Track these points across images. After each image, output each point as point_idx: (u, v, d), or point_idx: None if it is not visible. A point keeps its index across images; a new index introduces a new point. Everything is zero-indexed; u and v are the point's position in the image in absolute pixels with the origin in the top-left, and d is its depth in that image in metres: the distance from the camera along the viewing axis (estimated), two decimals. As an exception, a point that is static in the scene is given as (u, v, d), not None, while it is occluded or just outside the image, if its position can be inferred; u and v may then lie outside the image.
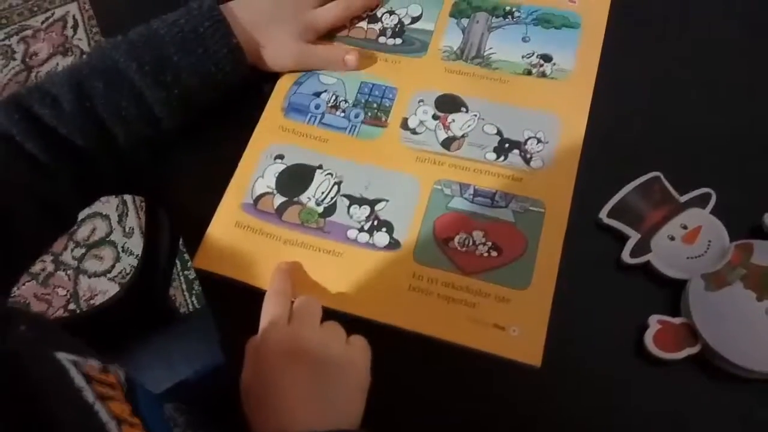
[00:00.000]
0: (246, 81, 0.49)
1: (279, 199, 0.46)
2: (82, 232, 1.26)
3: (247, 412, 0.38)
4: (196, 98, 0.47)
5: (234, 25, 0.47)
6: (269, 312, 0.40)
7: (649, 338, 0.39)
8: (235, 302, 0.45)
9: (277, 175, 0.47)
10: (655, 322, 0.39)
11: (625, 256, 0.41)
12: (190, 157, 0.49)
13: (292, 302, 0.41)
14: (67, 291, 1.22)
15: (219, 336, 0.44)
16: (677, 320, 0.39)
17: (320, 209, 0.46)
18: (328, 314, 0.43)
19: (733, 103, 0.47)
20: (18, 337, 0.32)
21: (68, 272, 1.24)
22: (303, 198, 0.46)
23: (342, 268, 0.44)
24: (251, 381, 0.39)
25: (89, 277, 1.23)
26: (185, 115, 0.48)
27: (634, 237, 0.42)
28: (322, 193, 0.46)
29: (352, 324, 0.42)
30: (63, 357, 0.33)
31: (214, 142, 0.49)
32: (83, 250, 1.25)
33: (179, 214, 0.50)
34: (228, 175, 0.48)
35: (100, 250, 1.25)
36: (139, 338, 0.64)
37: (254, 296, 0.44)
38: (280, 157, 0.48)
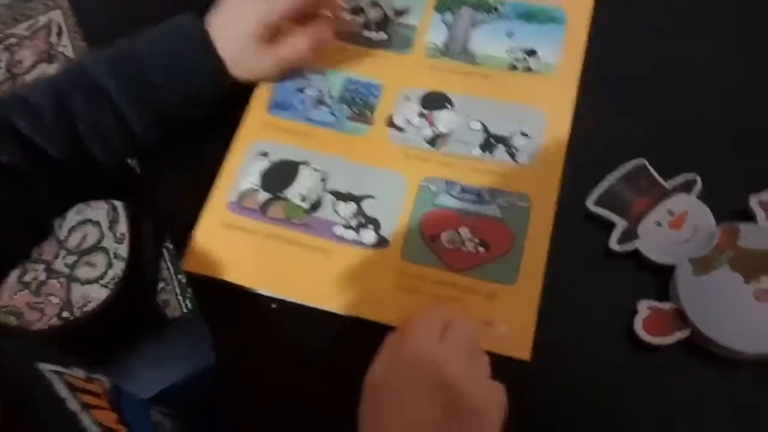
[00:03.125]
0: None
1: (264, 196, 0.45)
2: (73, 240, 1.23)
3: (365, 409, 0.34)
4: (176, 116, 0.45)
5: (216, 43, 0.44)
6: (426, 318, 0.36)
7: (638, 324, 0.38)
8: (227, 305, 0.43)
9: (261, 171, 0.46)
10: (644, 307, 0.38)
11: (613, 243, 0.40)
12: (174, 159, 0.47)
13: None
14: (60, 299, 1.19)
15: (212, 340, 0.42)
16: (666, 305, 0.38)
17: (306, 205, 0.44)
18: (315, 313, 0.41)
19: (716, 91, 0.46)
20: (1, 351, 0.30)
21: (60, 280, 1.21)
22: (288, 194, 0.45)
23: (328, 265, 0.42)
24: (381, 378, 0.34)
25: (82, 284, 1.20)
26: (165, 132, 0.46)
27: (621, 224, 0.41)
28: (308, 188, 0.45)
29: (339, 322, 0.41)
30: (45, 368, 0.32)
31: (197, 141, 0.48)
32: (75, 258, 1.22)
33: (165, 217, 0.48)
34: (212, 174, 0.46)
35: (92, 257, 1.22)
36: (129, 344, 0.63)
37: (246, 298, 0.42)
38: (265, 154, 0.46)
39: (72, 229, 1.24)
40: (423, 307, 0.38)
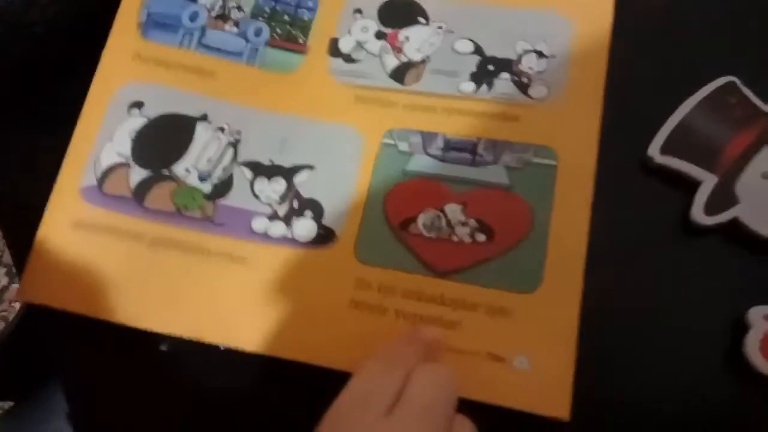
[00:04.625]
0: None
1: (138, 174, 0.28)
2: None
3: None
4: None
5: None
6: (365, 382, 0.22)
7: (752, 345, 0.24)
8: (89, 352, 0.28)
9: (134, 134, 0.29)
10: (760, 318, 0.24)
11: (698, 213, 0.26)
12: (10, 132, 0.31)
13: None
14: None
15: (67, 407, 0.27)
16: (796, 314, 0.24)
17: (207, 187, 0.28)
18: (226, 357, 0.26)
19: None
20: None
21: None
22: (178, 169, 0.28)
23: (244, 281, 0.27)
24: None
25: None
26: None
27: (708, 181, 0.26)
28: (209, 160, 0.28)
29: (263, 369, 0.26)
30: None
31: (44, 99, 0.31)
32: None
33: (5, 219, 0.31)
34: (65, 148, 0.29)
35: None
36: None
37: (120, 339, 0.27)
38: (138, 105, 0.29)
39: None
40: (367, 364, 0.22)
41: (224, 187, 0.28)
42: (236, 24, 0.30)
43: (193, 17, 0.30)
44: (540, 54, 0.29)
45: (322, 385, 0.22)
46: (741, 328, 0.24)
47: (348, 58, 0.30)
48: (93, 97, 0.29)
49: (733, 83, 0.27)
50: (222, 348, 0.26)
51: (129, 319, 0.26)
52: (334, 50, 0.30)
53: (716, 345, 0.25)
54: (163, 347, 0.27)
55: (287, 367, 0.25)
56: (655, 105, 0.28)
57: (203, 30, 0.30)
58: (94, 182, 0.28)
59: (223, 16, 0.30)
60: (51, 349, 0.29)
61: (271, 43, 0.30)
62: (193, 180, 0.28)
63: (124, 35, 0.30)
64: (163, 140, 0.29)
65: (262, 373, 0.26)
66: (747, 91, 0.27)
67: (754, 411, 0.24)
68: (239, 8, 0.31)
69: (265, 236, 0.27)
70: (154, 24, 0.30)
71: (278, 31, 0.30)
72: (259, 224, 0.27)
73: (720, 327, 0.25)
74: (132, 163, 0.28)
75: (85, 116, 0.29)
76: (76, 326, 0.27)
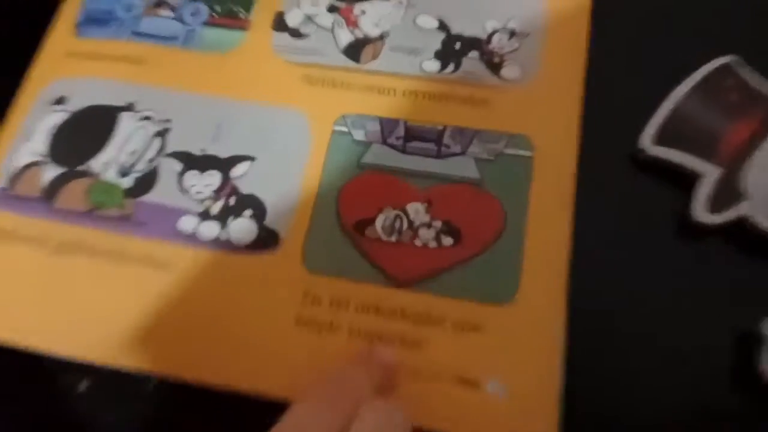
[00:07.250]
0: None
1: (52, 171, 0.24)
2: None
3: None
4: None
5: None
6: (303, 416, 0.17)
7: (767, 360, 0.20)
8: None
9: (53, 130, 0.24)
10: None
11: (699, 210, 0.22)
12: None
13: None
14: None
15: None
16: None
17: (127, 182, 0.23)
18: (153, 391, 0.21)
19: None
20: None
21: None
22: (95, 165, 0.24)
23: (167, 290, 0.22)
24: None
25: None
26: None
27: (709, 174, 0.22)
28: (133, 152, 0.24)
29: (195, 404, 0.21)
30: None
31: None
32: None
33: None
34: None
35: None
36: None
37: (31, 372, 0.22)
38: (62, 101, 0.25)
39: None
40: (308, 390, 0.17)
41: (148, 181, 0.23)
42: (172, 9, 0.26)
43: (129, 8, 0.27)
44: (512, 33, 0.25)
45: (261, 419, 0.17)
46: (749, 341, 0.20)
47: (295, 33, 0.26)
48: (21, 99, 0.26)
49: (729, 65, 0.23)
50: (152, 385, 0.21)
51: (33, 343, 0.21)
52: (280, 24, 0.26)
53: (722, 360, 0.21)
54: (82, 387, 0.21)
55: (220, 397, 0.21)
56: (646, 90, 0.24)
57: (138, 19, 0.26)
58: (6, 184, 0.24)
59: (159, 4, 0.26)
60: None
61: (209, 22, 0.26)
62: (111, 175, 0.23)
63: (58, 38, 0.27)
64: (82, 134, 0.24)
65: (195, 406, 0.21)
66: (745, 74, 0.23)
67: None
68: (177, -8, 0.27)
69: (194, 238, 0.22)
70: (90, 21, 0.27)
71: (217, 8, 0.26)
72: (188, 223, 0.23)
73: (726, 340, 0.21)
74: (48, 161, 0.24)
75: (11, 120, 0.25)
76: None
